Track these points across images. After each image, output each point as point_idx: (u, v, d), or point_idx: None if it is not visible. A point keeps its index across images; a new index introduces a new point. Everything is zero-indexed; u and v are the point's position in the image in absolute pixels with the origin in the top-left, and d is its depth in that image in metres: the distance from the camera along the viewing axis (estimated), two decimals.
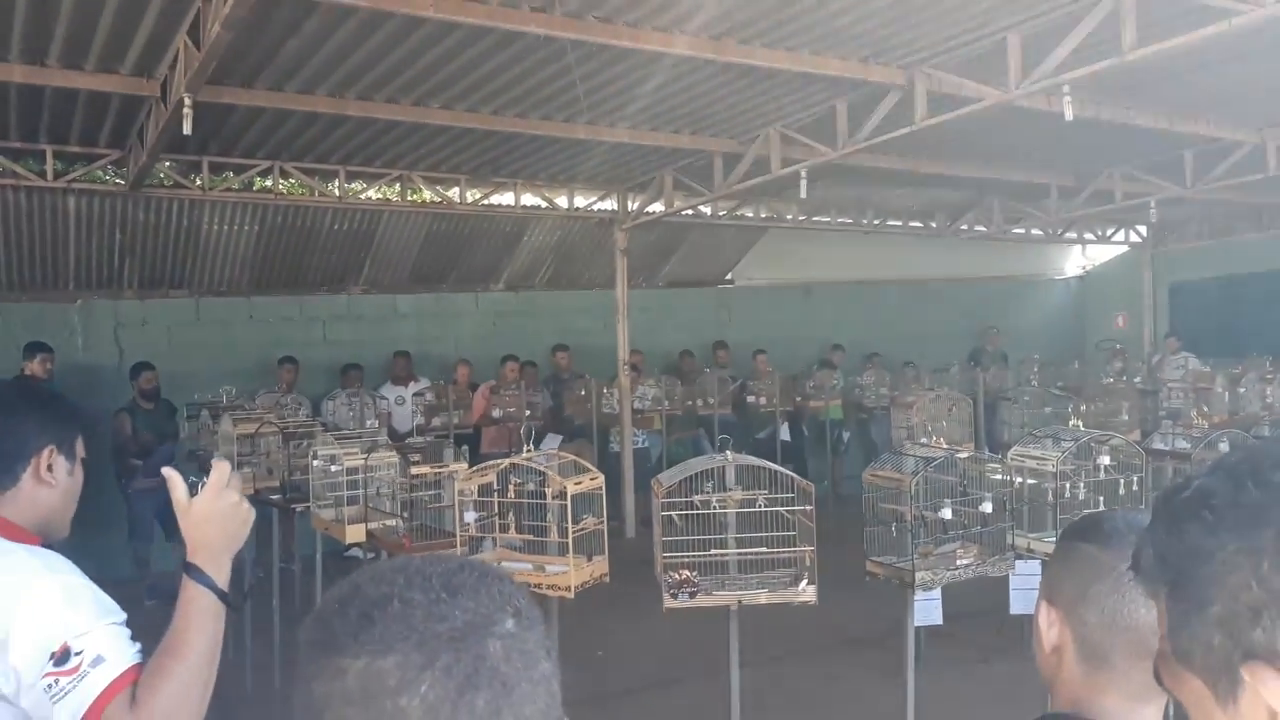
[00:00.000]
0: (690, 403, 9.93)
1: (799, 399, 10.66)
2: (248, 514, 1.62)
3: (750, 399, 10.40)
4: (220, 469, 1.60)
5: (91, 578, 1.60)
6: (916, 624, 4.04)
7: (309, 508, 4.31)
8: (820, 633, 6.07)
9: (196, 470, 7.10)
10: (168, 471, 1.60)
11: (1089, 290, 14.61)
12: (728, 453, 3.25)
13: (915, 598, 3.48)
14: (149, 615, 1.58)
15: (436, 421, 8.81)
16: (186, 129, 5.54)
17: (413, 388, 9.33)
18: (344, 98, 6.52)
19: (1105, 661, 1.24)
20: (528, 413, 8.74)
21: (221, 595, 1.55)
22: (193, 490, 1.58)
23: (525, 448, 3.22)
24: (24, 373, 7.23)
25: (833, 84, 6.57)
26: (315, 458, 4.18)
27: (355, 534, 3.91)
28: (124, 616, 1.55)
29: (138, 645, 1.52)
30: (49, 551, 1.62)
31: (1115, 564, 1.24)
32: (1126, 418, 6.67)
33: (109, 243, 8.56)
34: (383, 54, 5.76)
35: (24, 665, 1.43)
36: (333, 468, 4.08)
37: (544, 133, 7.26)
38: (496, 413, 8.78)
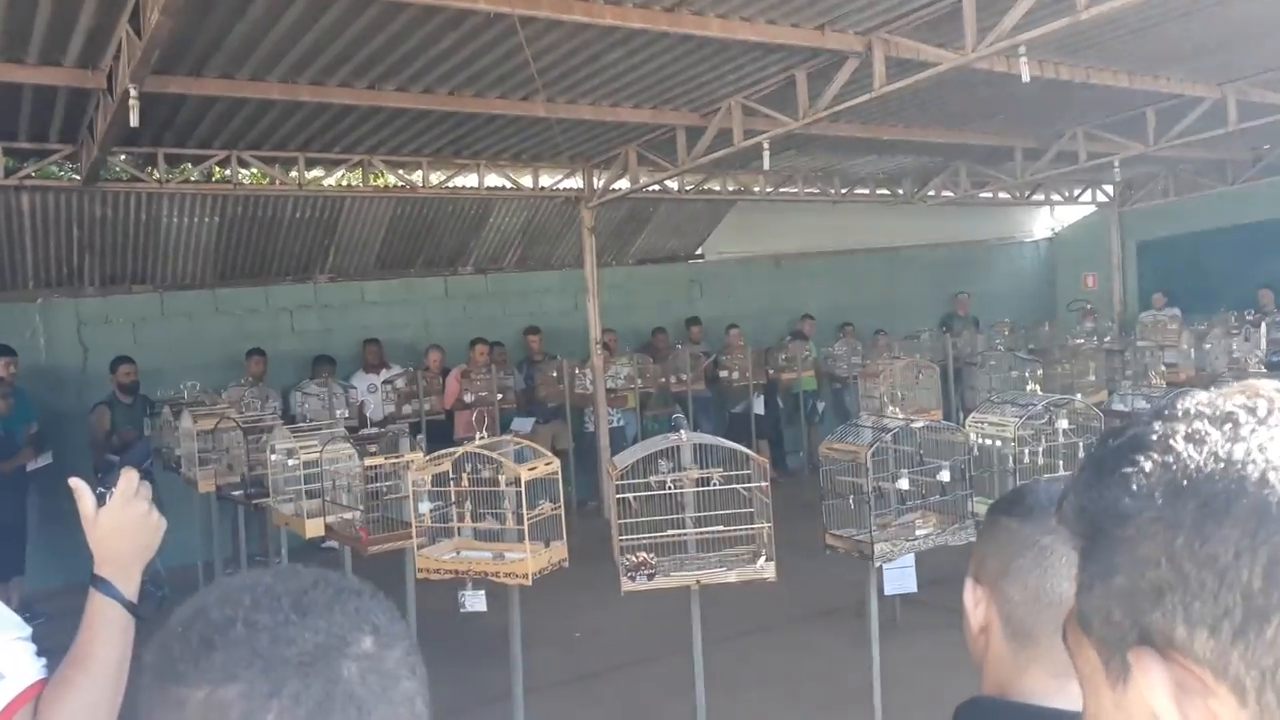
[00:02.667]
0: (664, 380, 9.90)
1: (771, 372, 10.65)
2: (158, 523, 1.57)
3: (723, 374, 10.38)
4: (128, 478, 1.55)
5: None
6: (890, 593, 4.05)
7: (268, 503, 4.26)
8: (793, 604, 6.09)
9: (161, 468, 7.03)
10: (74, 482, 1.55)
11: (1059, 251, 14.67)
12: (682, 432, 3.23)
13: (889, 567, 3.48)
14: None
15: (409, 408, 8.75)
16: (134, 121, 5.43)
17: (384, 375, 9.25)
18: (296, 83, 6.41)
19: (1030, 639, 1.21)
20: (499, 396, 8.69)
21: (130, 607, 1.50)
22: (101, 501, 1.53)
23: (479, 435, 3.18)
24: None
25: (791, 53, 6.53)
26: (273, 452, 4.12)
27: (315, 528, 3.87)
28: (28, 631, 1.50)
29: (43, 661, 1.47)
30: None
31: (1037, 537, 1.21)
32: (1094, 379, 6.69)
33: (67, 239, 8.41)
34: (333, 37, 5.66)
35: None
36: (290, 461, 4.03)
37: (502, 111, 7.17)
38: (468, 397, 8.73)
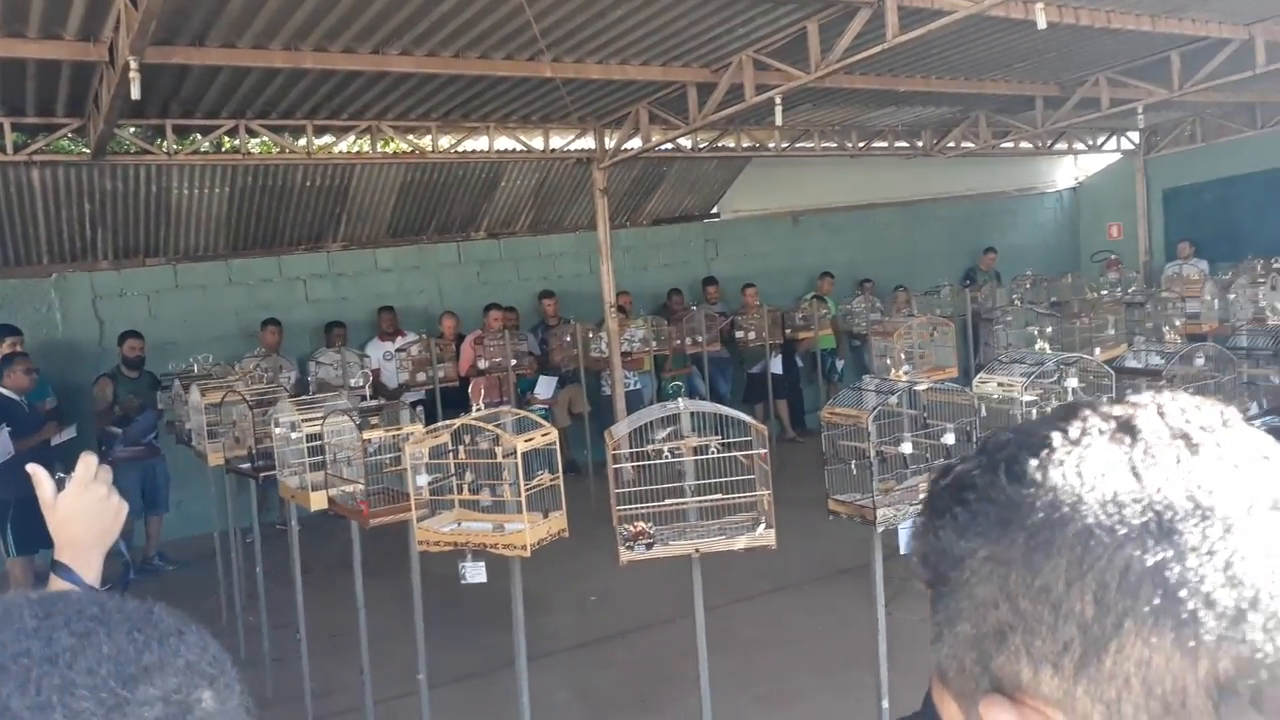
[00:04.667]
0: (680, 341, 9.83)
1: (789, 331, 10.56)
2: (118, 507, 1.54)
3: (740, 334, 10.30)
4: (86, 463, 1.53)
5: None
6: (905, 553, 4.01)
7: (274, 476, 4.27)
8: (810, 564, 6.08)
9: (174, 441, 7.07)
10: (32, 468, 1.52)
11: (1083, 201, 14.39)
12: (680, 400, 3.18)
13: (903, 526, 3.43)
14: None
15: (424, 376, 8.75)
16: (135, 93, 5.39)
17: (399, 342, 9.25)
18: (300, 50, 6.34)
19: None
20: (514, 362, 8.66)
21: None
22: (60, 486, 1.51)
23: (476, 406, 3.14)
24: None
25: (801, 4, 6.39)
26: (277, 425, 4.12)
27: (319, 501, 3.87)
28: None
29: None
30: None
31: None
32: (1113, 332, 6.55)
33: (79, 214, 8.43)
34: (333, 1, 5.58)
35: None
36: (293, 434, 4.02)
37: (508, 73, 7.07)
38: (483, 364, 8.71)
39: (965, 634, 0.58)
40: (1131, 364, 3.95)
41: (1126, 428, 0.56)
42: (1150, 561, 0.51)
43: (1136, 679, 0.52)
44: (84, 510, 1.50)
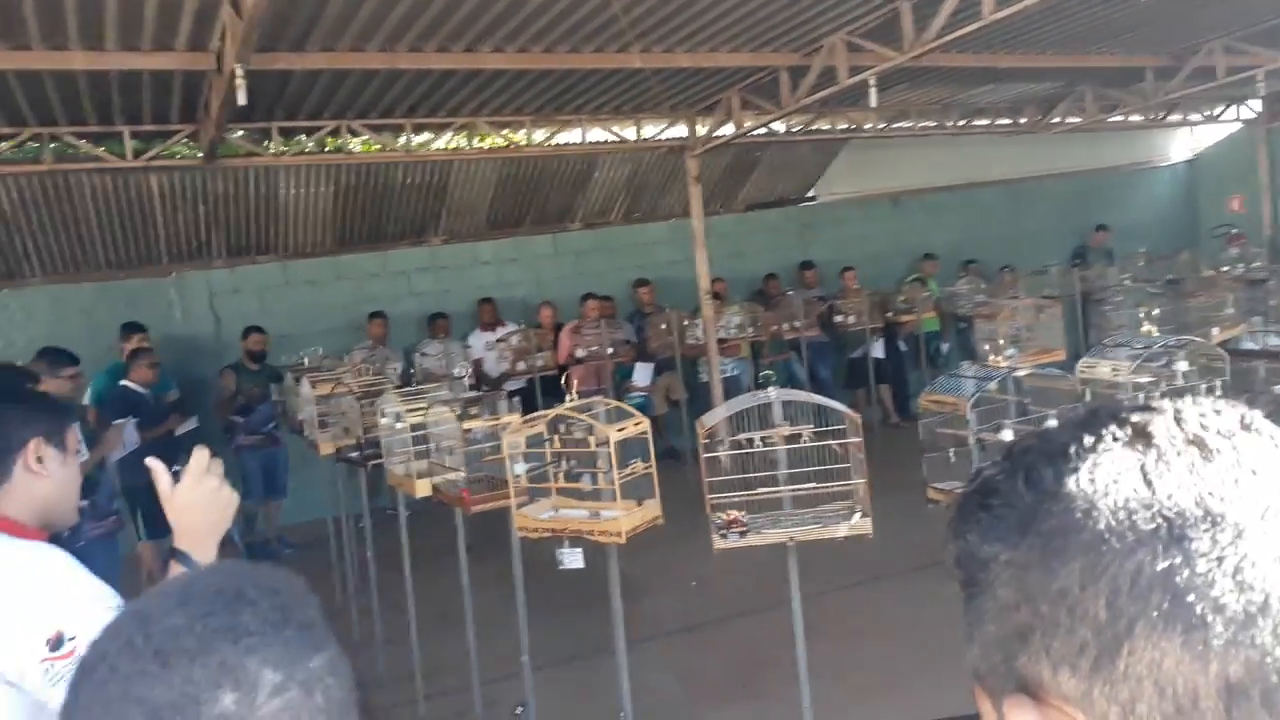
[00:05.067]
0: (777, 327, 9.77)
1: (890, 315, 10.38)
2: (229, 498, 1.64)
3: (839, 318, 10.17)
4: (199, 456, 1.63)
5: None
6: None
7: (381, 464, 4.42)
8: (912, 552, 5.93)
9: (288, 431, 7.36)
10: (150, 462, 1.63)
11: (1200, 174, 13.74)
12: (770, 389, 3.17)
13: None
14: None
15: (524, 365, 8.90)
16: (241, 99, 5.62)
17: (500, 333, 9.43)
18: (395, 51, 6.50)
19: None
20: (610, 350, 8.74)
21: None
22: (176, 479, 1.61)
23: (571, 396, 3.20)
24: (123, 352, 7.57)
25: None
26: (383, 415, 4.26)
27: (424, 488, 3.99)
28: (118, 601, 1.61)
29: None
30: (47, 545, 1.69)
31: None
32: (1232, 311, 6.25)
33: (194, 215, 8.83)
34: (426, 2, 5.71)
35: (24, 653, 1.52)
36: (398, 425, 4.15)
37: (598, 66, 7.12)
38: (580, 352, 8.81)
39: (991, 634, 0.60)
40: (1247, 345, 3.78)
41: (1142, 435, 0.58)
42: (1160, 567, 0.53)
43: (1149, 681, 0.53)
44: (198, 501, 1.60)
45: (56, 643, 1.51)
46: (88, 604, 1.58)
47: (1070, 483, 0.57)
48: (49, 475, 1.78)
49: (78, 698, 0.69)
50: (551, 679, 4.86)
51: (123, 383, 7.08)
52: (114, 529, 5.37)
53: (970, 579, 0.62)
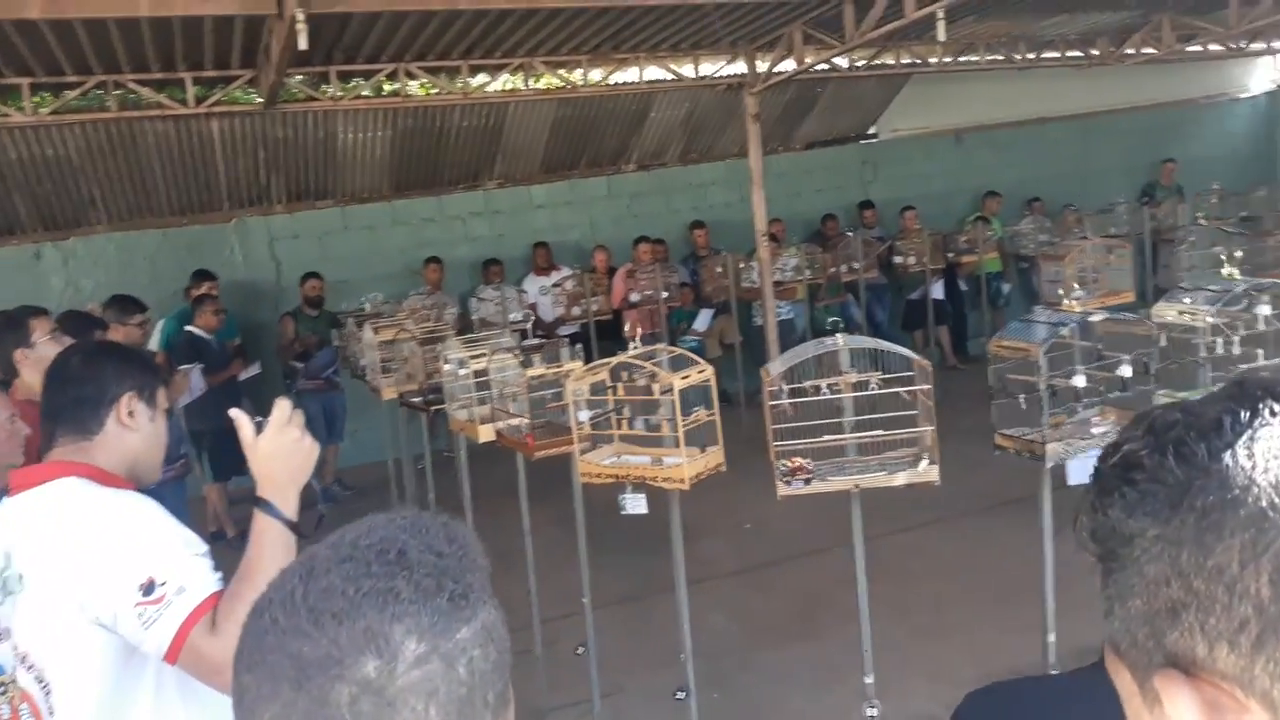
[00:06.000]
0: (834, 269, 9.64)
1: (951, 255, 10.18)
2: (310, 448, 1.68)
3: (898, 259, 10.00)
4: (281, 407, 1.66)
5: None
6: (1073, 483, 3.87)
7: (443, 410, 4.47)
8: (973, 495, 5.91)
9: (349, 376, 7.48)
10: (234, 412, 1.67)
11: None
12: (838, 336, 3.13)
13: (1072, 458, 3.31)
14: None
15: (578, 309, 8.91)
16: (302, 43, 5.63)
17: (554, 277, 9.43)
18: None
19: None
20: (665, 294, 8.70)
21: (291, 525, 1.63)
22: (259, 429, 1.64)
23: (633, 344, 3.19)
24: (190, 296, 7.73)
25: None
26: (446, 362, 4.30)
27: (486, 433, 4.04)
28: (206, 549, 1.67)
29: (219, 574, 1.63)
30: (138, 494, 1.74)
31: None
32: None
33: (254, 161, 8.90)
34: None
35: (117, 598, 1.57)
36: (461, 371, 4.19)
37: (658, 1, 6.98)
38: (634, 296, 8.79)
39: (1137, 609, 0.59)
40: None
41: None
42: None
43: None
44: (280, 451, 1.64)
45: (149, 588, 1.56)
46: (178, 550, 1.63)
47: (1226, 458, 0.56)
48: (139, 430, 1.83)
49: (245, 640, 0.72)
50: (611, 618, 4.94)
51: (189, 328, 7.23)
52: (183, 473, 5.53)
53: (1110, 553, 0.61)
